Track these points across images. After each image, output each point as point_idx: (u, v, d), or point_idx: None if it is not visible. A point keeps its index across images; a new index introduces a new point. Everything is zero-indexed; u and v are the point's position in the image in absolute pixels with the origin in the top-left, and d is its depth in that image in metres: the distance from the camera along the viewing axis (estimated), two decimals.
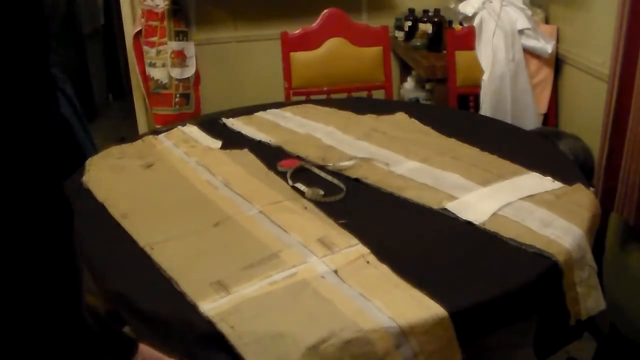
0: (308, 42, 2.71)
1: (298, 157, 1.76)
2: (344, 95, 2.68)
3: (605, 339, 2.01)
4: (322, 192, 1.53)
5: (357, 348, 1.03)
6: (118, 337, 0.88)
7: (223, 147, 1.86)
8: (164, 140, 1.94)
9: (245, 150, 1.82)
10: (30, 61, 0.67)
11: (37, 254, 0.67)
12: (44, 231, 0.69)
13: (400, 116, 2.06)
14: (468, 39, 2.66)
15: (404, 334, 1.05)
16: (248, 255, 1.27)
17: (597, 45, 2.36)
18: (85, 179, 1.68)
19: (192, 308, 1.12)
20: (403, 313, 1.08)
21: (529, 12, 2.65)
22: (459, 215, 1.41)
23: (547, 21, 2.78)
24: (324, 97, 2.66)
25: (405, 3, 3.24)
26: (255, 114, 2.17)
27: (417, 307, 1.09)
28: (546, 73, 2.67)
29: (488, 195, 1.48)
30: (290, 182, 1.60)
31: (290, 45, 2.70)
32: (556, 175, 1.56)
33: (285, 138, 1.91)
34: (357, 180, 1.62)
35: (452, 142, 1.83)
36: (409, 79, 3.25)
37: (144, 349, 0.89)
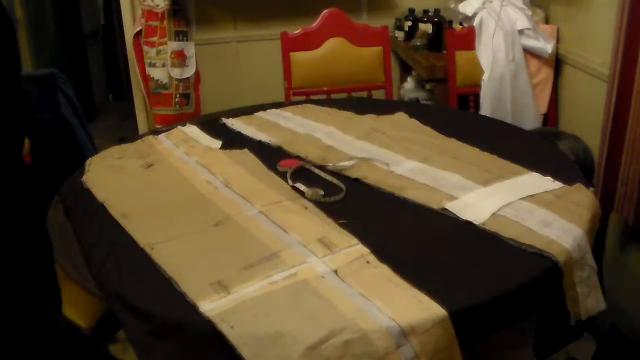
0: (308, 42, 2.71)
1: (298, 157, 1.76)
2: (344, 95, 2.68)
3: (605, 339, 2.01)
4: (322, 192, 1.53)
5: (357, 348, 1.03)
6: (101, 357, 0.88)
7: (223, 147, 1.86)
8: (164, 140, 1.94)
9: (245, 150, 1.82)
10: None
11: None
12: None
13: (400, 116, 2.06)
14: (468, 39, 2.66)
15: (404, 334, 1.05)
16: (248, 255, 1.27)
17: (597, 45, 2.36)
18: (85, 179, 1.68)
19: (192, 308, 1.12)
20: (403, 313, 1.08)
21: (529, 12, 2.65)
22: (459, 215, 1.41)
23: (547, 21, 2.78)
24: (324, 97, 2.66)
25: (405, 3, 3.24)
26: (255, 114, 2.17)
27: (417, 307, 1.09)
28: (546, 73, 2.67)
29: (488, 195, 1.48)
30: (290, 182, 1.60)
31: (290, 45, 2.70)
32: (556, 175, 1.56)
33: (285, 138, 1.91)
34: (357, 180, 1.62)
35: (452, 142, 1.83)
36: (409, 79, 3.25)
37: None
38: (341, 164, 1.70)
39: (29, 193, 0.72)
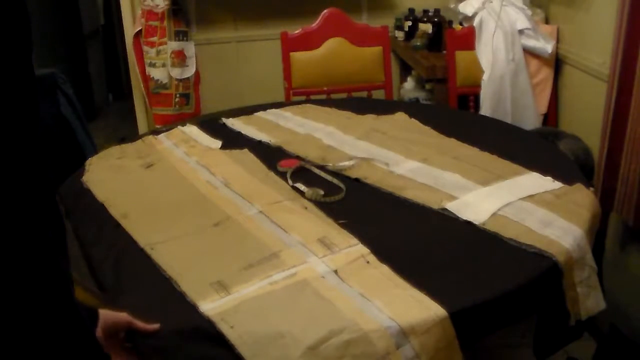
0: (308, 42, 2.71)
1: (298, 157, 1.76)
2: (344, 95, 2.68)
3: (605, 339, 2.01)
4: (322, 192, 1.53)
5: (357, 348, 1.03)
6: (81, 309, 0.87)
7: (223, 147, 1.86)
8: (164, 140, 1.94)
9: (245, 150, 1.82)
10: (12, 59, 0.65)
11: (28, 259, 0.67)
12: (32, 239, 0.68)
13: (400, 116, 2.06)
14: (468, 39, 2.66)
15: (404, 334, 1.05)
16: (248, 255, 1.27)
17: (597, 45, 2.36)
18: (85, 179, 1.68)
19: (192, 308, 1.12)
20: (403, 313, 1.08)
21: (529, 12, 2.65)
22: (459, 215, 1.41)
23: (547, 21, 2.78)
24: (324, 97, 2.66)
25: (405, 3, 3.24)
26: (255, 114, 2.17)
27: (417, 307, 1.09)
28: (546, 73, 2.67)
29: (488, 195, 1.48)
30: (290, 182, 1.60)
31: (290, 45, 2.70)
32: (556, 175, 1.56)
33: (285, 138, 1.91)
34: (357, 180, 1.62)
35: (452, 142, 1.83)
36: (409, 79, 3.25)
37: (104, 313, 0.93)
38: (341, 164, 1.70)
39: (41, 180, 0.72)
